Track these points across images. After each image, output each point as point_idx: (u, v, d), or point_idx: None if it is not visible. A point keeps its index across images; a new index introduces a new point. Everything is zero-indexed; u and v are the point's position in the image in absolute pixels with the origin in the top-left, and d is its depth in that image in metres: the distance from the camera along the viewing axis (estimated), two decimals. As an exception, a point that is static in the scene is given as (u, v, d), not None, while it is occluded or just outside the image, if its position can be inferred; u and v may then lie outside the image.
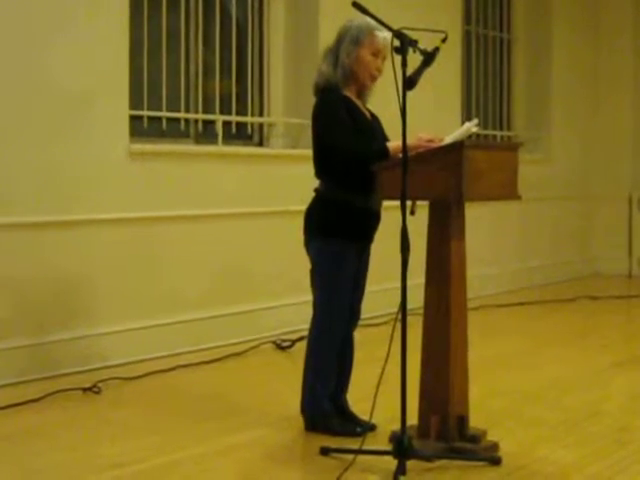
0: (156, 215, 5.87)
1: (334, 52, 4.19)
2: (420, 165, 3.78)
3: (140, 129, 6.03)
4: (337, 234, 4.13)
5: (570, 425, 4.43)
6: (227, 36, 6.73)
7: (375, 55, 4.15)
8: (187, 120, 6.45)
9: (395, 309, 3.68)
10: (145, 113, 6.07)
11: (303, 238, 4.25)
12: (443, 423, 3.91)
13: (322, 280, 4.20)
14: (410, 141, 3.74)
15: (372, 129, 4.22)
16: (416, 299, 4.09)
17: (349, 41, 4.15)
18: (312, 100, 4.26)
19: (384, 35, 4.11)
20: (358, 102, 4.24)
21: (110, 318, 5.61)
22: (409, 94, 3.60)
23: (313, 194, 4.23)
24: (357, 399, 4.33)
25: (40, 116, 5.24)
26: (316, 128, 4.16)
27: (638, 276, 10.06)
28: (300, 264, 6.28)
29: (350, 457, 3.74)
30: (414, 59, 3.63)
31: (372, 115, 4.32)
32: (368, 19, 4.04)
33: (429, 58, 3.71)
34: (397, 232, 3.56)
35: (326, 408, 4.24)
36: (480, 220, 7.85)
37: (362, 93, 4.28)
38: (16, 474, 3.74)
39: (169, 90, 6.28)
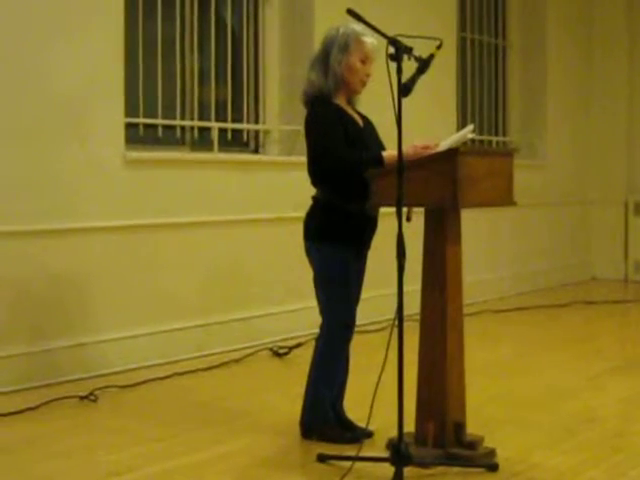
0: (152, 222, 5.86)
1: (323, 61, 4.17)
2: (416, 172, 3.78)
3: (136, 136, 6.03)
4: (335, 239, 4.13)
5: (567, 431, 4.42)
6: (222, 43, 6.73)
7: (364, 62, 4.15)
8: (183, 127, 6.45)
9: (392, 315, 3.69)
10: (141, 120, 6.07)
11: (304, 245, 4.25)
12: (440, 429, 3.90)
13: (326, 286, 4.19)
14: (405, 149, 3.74)
15: (365, 137, 4.21)
16: (412, 305, 4.10)
17: (337, 49, 4.13)
18: (307, 107, 4.27)
19: (371, 40, 4.12)
20: (349, 109, 4.24)
21: (107, 325, 5.60)
22: (405, 101, 3.60)
23: (310, 201, 4.23)
24: (354, 406, 4.32)
25: (36, 124, 5.24)
26: (309, 139, 4.15)
27: (634, 281, 10.06)
28: (296, 271, 6.28)
29: (347, 464, 3.74)
30: (409, 66, 3.63)
31: (364, 119, 4.32)
32: (353, 25, 4.06)
33: (424, 65, 3.71)
34: (393, 238, 3.56)
35: (329, 415, 4.23)
36: (476, 226, 7.85)
37: (352, 99, 4.28)
38: (13, 483, 3.75)
39: (164, 97, 6.28)
